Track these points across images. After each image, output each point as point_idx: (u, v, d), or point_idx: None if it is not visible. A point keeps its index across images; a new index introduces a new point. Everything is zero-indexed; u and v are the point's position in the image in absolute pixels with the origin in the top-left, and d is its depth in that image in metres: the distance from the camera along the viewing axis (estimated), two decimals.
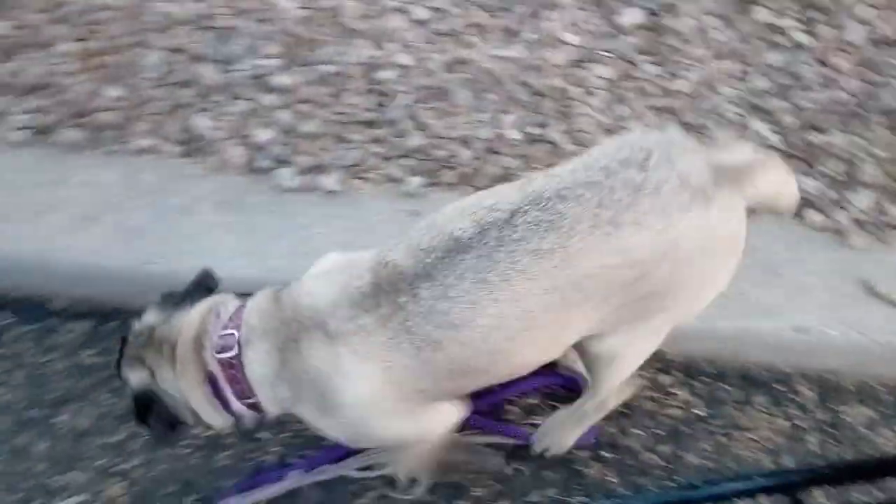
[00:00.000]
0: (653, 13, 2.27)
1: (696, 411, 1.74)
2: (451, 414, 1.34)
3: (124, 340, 1.32)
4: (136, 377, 1.29)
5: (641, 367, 1.41)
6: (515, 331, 1.13)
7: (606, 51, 2.21)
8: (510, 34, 2.27)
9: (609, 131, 2.04)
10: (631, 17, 2.27)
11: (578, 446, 1.63)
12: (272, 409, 1.27)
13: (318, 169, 2.03)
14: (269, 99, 2.18)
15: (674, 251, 1.11)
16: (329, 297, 1.18)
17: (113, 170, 2.07)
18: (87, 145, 2.13)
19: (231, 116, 2.15)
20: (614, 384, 1.42)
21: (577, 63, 2.19)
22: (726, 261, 1.21)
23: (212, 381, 1.25)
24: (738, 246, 1.19)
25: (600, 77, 2.16)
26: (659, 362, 1.78)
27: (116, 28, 2.35)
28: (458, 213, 1.17)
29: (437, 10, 2.32)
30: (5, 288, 1.97)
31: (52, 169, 2.07)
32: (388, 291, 1.14)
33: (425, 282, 1.12)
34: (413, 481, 1.57)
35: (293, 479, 1.57)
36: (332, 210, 1.96)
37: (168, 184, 2.04)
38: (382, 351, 1.14)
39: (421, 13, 2.32)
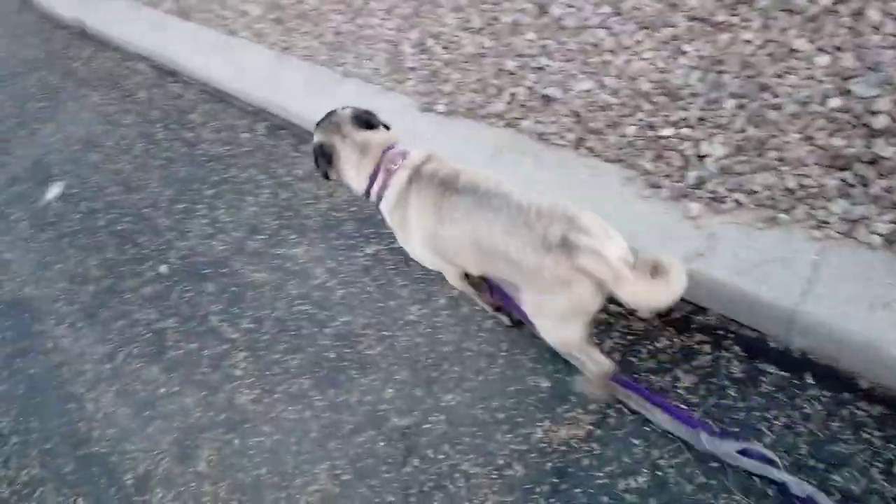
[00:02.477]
0: None
1: None
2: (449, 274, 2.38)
3: (330, 123, 2.32)
4: (323, 142, 2.30)
5: None
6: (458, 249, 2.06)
7: None
8: None
9: None
10: None
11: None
12: (388, 206, 2.21)
13: None
14: None
15: (520, 263, 1.85)
16: (442, 174, 2.08)
17: None
18: None
19: None
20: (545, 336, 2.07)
21: None
22: (546, 293, 1.87)
23: (374, 173, 2.21)
24: (567, 295, 1.81)
25: None
26: None
27: None
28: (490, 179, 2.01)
29: None
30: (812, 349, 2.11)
31: None
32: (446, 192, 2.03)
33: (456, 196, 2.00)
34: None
35: (696, 436, 1.99)
36: None
37: None
38: (425, 216, 2.08)
39: None
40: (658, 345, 2.27)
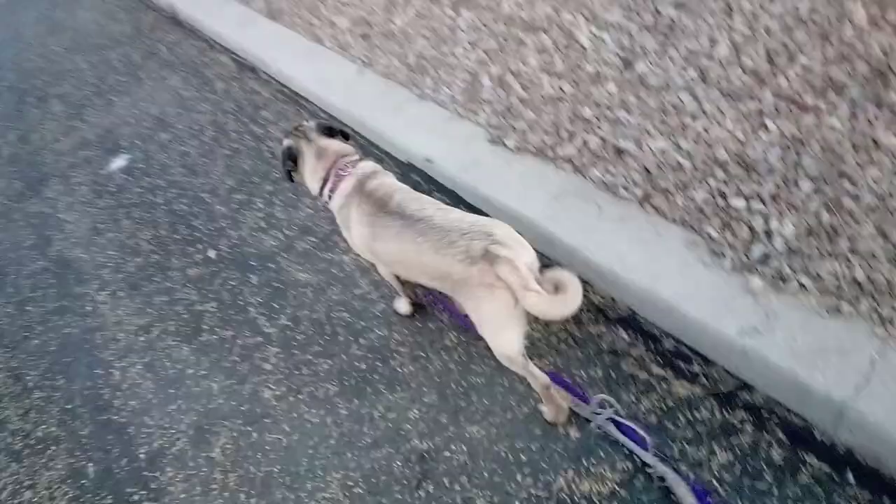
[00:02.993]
0: None
1: None
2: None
3: (298, 131, 2.61)
4: (292, 146, 2.58)
5: None
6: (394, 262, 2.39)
7: None
8: None
9: None
10: None
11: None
12: (335, 206, 2.49)
13: None
14: None
15: (450, 276, 2.07)
16: (378, 194, 2.32)
17: None
18: None
19: None
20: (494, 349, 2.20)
21: None
22: (480, 299, 2.04)
23: (327, 176, 2.49)
24: (494, 301, 1.99)
25: None
26: None
27: None
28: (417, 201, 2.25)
29: None
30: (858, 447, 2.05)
31: None
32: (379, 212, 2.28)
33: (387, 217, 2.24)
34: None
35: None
36: None
37: None
38: (362, 226, 2.34)
39: None
40: (698, 415, 2.23)
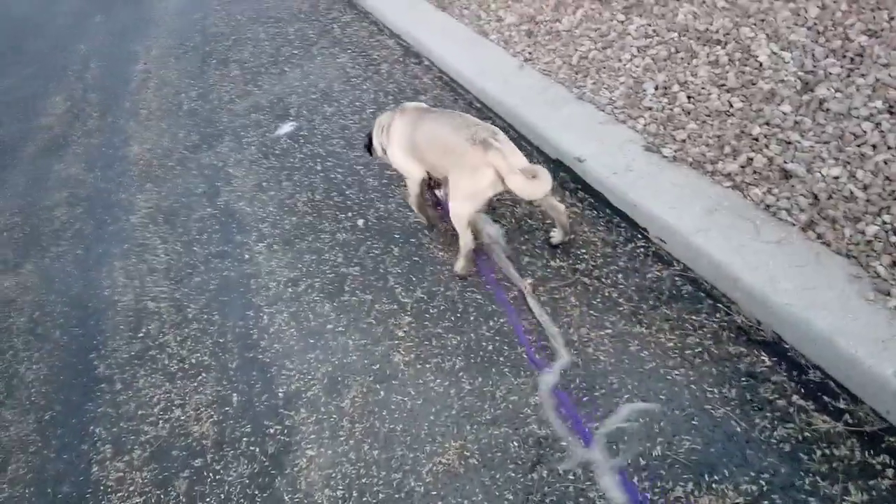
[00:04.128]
0: None
1: None
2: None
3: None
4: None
5: None
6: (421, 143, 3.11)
7: None
8: None
9: None
10: None
11: None
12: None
13: None
14: None
15: (454, 150, 2.85)
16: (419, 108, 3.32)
17: None
18: None
19: None
20: (452, 213, 3.02)
21: None
22: (463, 172, 2.84)
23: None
24: (474, 176, 2.79)
25: None
26: None
27: None
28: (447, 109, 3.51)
29: None
30: None
31: None
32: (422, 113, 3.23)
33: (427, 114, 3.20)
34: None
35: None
36: None
37: None
38: (403, 126, 3.23)
39: None
40: (836, 452, 2.18)
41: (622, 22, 4.09)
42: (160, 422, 3.13)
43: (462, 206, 2.93)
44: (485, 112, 4.24)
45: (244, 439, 2.92)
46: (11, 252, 4.63)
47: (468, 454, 2.56)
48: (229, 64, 5.94)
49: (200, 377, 3.27)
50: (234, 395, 3.12)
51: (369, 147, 3.50)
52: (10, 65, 7.79)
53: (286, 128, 4.80)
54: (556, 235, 3.19)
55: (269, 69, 5.61)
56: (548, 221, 3.33)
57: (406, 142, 3.18)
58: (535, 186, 2.70)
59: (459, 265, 3.21)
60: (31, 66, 7.58)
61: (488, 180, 2.75)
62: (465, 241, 3.06)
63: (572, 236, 3.20)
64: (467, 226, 3.00)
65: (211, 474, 2.83)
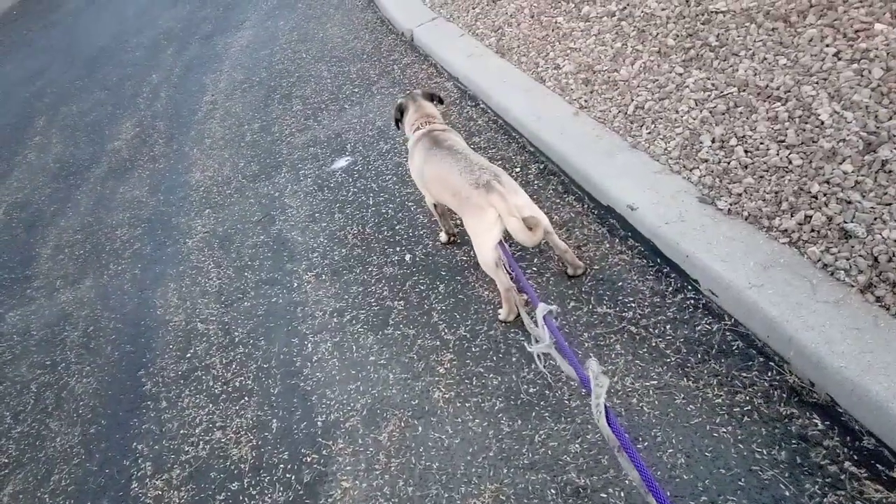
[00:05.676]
0: None
1: None
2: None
3: (408, 94, 3.89)
4: (402, 103, 3.84)
5: None
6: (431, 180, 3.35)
7: None
8: None
9: None
10: None
11: None
12: (410, 144, 3.64)
13: None
14: None
15: (460, 192, 3.02)
16: (438, 137, 3.44)
17: None
18: None
19: None
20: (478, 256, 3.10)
21: None
22: (472, 214, 2.98)
23: (414, 125, 3.66)
24: (480, 216, 2.92)
25: None
26: None
27: None
28: (459, 145, 3.39)
29: None
30: None
31: None
32: (434, 146, 3.38)
33: (437, 149, 3.33)
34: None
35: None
36: None
37: None
38: (420, 153, 3.45)
39: None
40: (867, 495, 2.09)
41: (680, 74, 4.12)
42: (201, 443, 3.20)
43: (481, 247, 3.01)
44: (537, 156, 4.30)
45: (281, 466, 2.96)
46: (73, 267, 4.85)
47: (504, 498, 2.54)
48: (292, 99, 6.19)
49: (243, 401, 3.34)
50: (274, 420, 3.18)
51: (398, 122, 3.90)
52: (87, 91, 8.27)
53: (342, 162, 4.96)
54: (569, 268, 3.33)
55: (329, 106, 5.82)
56: (595, 267, 3.33)
57: (417, 171, 3.47)
58: (527, 237, 2.84)
59: (504, 312, 3.24)
60: (105, 92, 8.04)
61: (492, 218, 2.89)
62: (500, 282, 3.11)
63: (581, 270, 3.31)
64: (496, 267, 3.04)
65: (246, 499, 2.87)
